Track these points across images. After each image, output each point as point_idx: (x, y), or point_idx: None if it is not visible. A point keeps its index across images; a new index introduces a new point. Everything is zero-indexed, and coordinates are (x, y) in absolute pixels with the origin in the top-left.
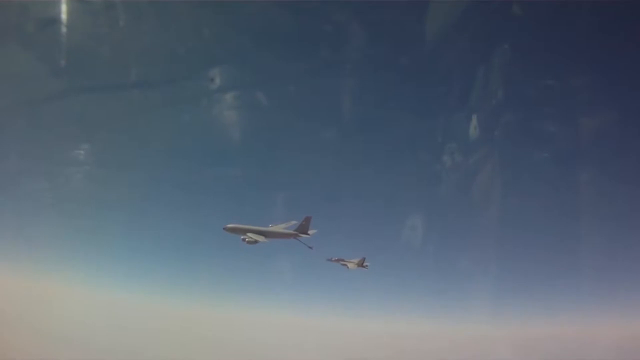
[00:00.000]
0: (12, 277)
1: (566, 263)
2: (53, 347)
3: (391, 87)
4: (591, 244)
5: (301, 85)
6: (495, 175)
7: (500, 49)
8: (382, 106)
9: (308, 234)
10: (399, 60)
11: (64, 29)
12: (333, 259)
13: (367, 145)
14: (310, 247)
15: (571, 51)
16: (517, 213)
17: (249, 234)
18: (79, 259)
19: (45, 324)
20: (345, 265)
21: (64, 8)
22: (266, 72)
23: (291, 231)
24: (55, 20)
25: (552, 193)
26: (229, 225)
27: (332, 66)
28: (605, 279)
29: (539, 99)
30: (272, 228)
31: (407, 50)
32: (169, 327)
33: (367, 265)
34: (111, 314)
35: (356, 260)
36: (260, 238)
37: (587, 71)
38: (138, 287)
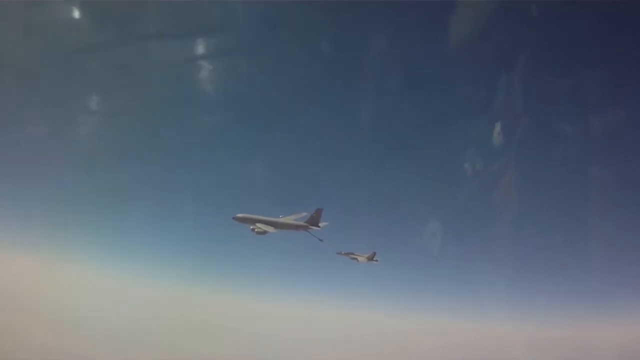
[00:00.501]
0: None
1: (581, 263)
2: (56, 331)
3: (409, 87)
4: (609, 245)
5: (317, 77)
6: (512, 174)
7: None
8: (398, 104)
9: (319, 227)
10: (418, 62)
11: None
12: (343, 252)
13: (382, 140)
14: (321, 240)
15: (593, 53)
16: (533, 210)
17: (259, 224)
18: (83, 245)
19: (46, 306)
20: (355, 259)
21: None
22: (282, 63)
23: (301, 223)
24: None
25: (571, 194)
26: (239, 215)
27: (350, 62)
28: (621, 281)
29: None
30: (282, 219)
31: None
32: (176, 315)
33: (377, 260)
34: (116, 300)
35: (366, 255)
36: (270, 229)
37: (611, 73)
38: (143, 274)
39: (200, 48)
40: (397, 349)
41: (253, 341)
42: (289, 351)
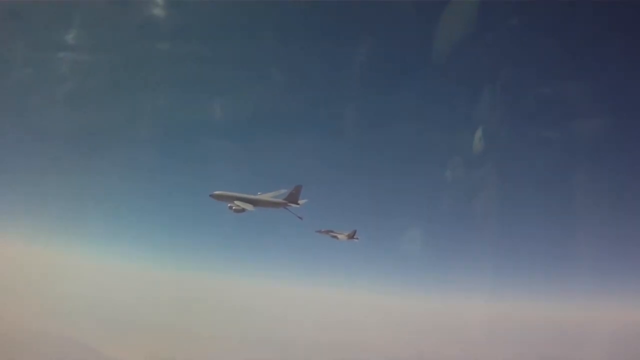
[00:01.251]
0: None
1: (566, 247)
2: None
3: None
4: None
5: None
6: (497, 156)
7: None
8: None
9: (298, 204)
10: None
11: None
12: (323, 230)
13: (362, 115)
14: (300, 218)
15: (576, 58)
16: (519, 188)
17: (237, 202)
18: (67, 225)
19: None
20: (335, 237)
21: None
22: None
23: (280, 200)
24: None
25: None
26: (216, 192)
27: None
28: (606, 266)
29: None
30: (260, 196)
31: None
32: (155, 293)
33: (357, 238)
34: (97, 280)
35: (347, 233)
36: (248, 206)
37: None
38: (121, 253)
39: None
40: (376, 324)
41: (230, 316)
42: (269, 328)
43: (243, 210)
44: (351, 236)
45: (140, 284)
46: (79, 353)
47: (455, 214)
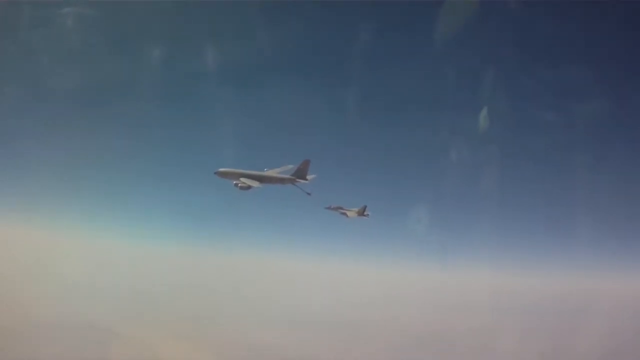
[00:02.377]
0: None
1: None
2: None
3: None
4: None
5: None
6: (502, 134)
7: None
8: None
9: (306, 180)
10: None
11: None
12: (332, 206)
13: (371, 89)
14: (308, 194)
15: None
16: (522, 164)
17: (242, 179)
18: (70, 206)
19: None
20: (345, 213)
21: None
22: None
23: (288, 176)
24: None
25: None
26: (221, 170)
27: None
28: (609, 239)
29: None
30: (267, 172)
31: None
32: (162, 273)
33: (368, 214)
34: (99, 259)
35: (356, 209)
36: (255, 183)
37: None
38: (126, 233)
39: None
40: (385, 300)
41: (238, 294)
42: (278, 305)
43: (249, 187)
44: (361, 212)
45: (146, 264)
46: (94, 336)
47: (463, 190)
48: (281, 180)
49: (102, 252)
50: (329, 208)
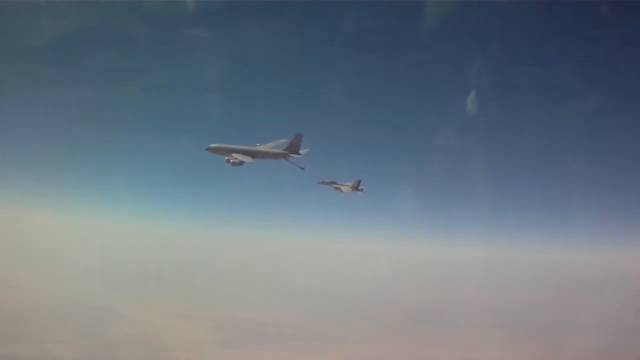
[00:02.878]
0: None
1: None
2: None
3: None
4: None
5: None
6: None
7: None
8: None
9: (299, 154)
10: None
11: None
12: (326, 181)
13: (362, 58)
14: (302, 168)
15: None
16: (523, 134)
17: (234, 155)
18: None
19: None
20: (339, 188)
21: None
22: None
23: (280, 151)
24: None
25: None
26: (212, 145)
27: None
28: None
29: None
30: (259, 147)
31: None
32: (157, 250)
33: (362, 189)
34: (96, 240)
35: (350, 183)
36: (247, 159)
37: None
38: (119, 212)
39: None
40: (381, 274)
41: (236, 271)
42: (272, 280)
43: (241, 163)
44: (355, 187)
45: (140, 242)
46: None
47: (459, 164)
48: (274, 155)
49: (97, 233)
50: (322, 183)
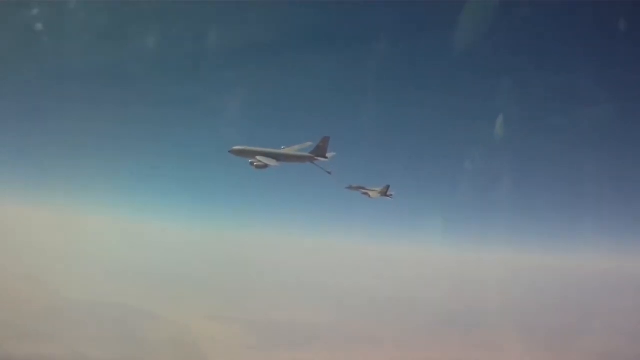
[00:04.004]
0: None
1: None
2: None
3: None
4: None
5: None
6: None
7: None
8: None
9: (326, 157)
10: None
11: None
12: (353, 186)
13: (394, 63)
14: (329, 172)
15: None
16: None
17: (258, 157)
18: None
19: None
20: (367, 194)
21: None
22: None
23: (306, 154)
24: None
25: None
26: (236, 148)
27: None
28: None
29: None
30: (284, 150)
31: None
32: (182, 253)
33: (391, 195)
34: (121, 238)
35: (379, 189)
36: (271, 162)
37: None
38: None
39: None
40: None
41: (255, 272)
42: (302, 284)
43: (266, 166)
44: (384, 192)
45: (166, 242)
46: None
47: (488, 170)
48: (299, 159)
49: (122, 232)
50: (350, 188)
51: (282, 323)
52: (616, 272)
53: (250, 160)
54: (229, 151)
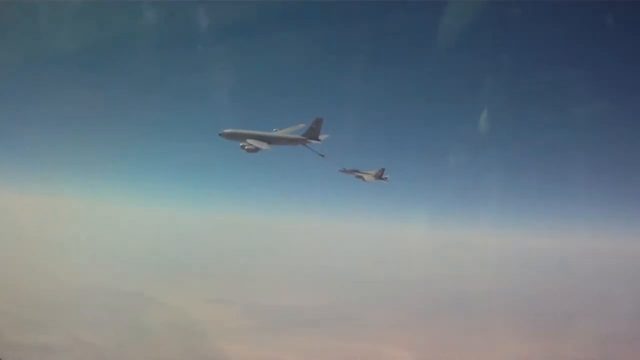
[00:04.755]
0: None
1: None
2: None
3: None
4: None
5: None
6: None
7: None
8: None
9: (319, 140)
10: None
11: None
12: (347, 169)
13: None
14: (322, 155)
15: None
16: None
17: (249, 140)
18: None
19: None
20: (361, 177)
21: None
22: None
23: (299, 136)
24: None
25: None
26: (226, 131)
27: None
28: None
29: None
30: (276, 133)
31: None
32: (173, 235)
33: (386, 178)
34: (122, 224)
35: (374, 172)
36: (263, 145)
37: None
38: (132, 197)
39: None
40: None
41: (264, 257)
42: (300, 265)
43: (257, 149)
44: (379, 176)
45: (166, 228)
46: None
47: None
48: (292, 141)
49: (123, 218)
50: (343, 171)
51: (284, 307)
52: (601, 256)
53: (241, 144)
54: (219, 134)
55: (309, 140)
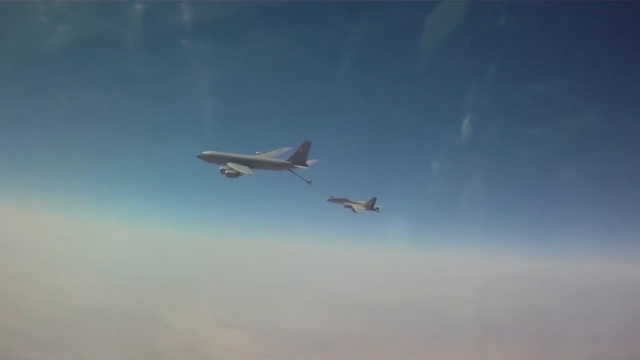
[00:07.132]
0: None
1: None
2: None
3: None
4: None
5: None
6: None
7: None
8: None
9: (306, 165)
10: None
11: None
12: (336, 198)
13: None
14: (308, 182)
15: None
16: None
17: (230, 164)
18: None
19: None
20: (351, 207)
21: None
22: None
23: (284, 160)
24: None
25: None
26: (205, 153)
27: None
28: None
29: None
30: (259, 156)
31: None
32: (187, 258)
33: (378, 208)
34: (130, 246)
35: (364, 202)
36: (245, 169)
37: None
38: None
39: None
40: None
41: (268, 282)
42: (304, 289)
43: (238, 174)
44: (370, 206)
45: (172, 251)
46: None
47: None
48: (276, 166)
49: (130, 240)
50: (332, 200)
51: (292, 330)
52: (595, 276)
53: (220, 168)
54: (198, 156)
55: (295, 165)
